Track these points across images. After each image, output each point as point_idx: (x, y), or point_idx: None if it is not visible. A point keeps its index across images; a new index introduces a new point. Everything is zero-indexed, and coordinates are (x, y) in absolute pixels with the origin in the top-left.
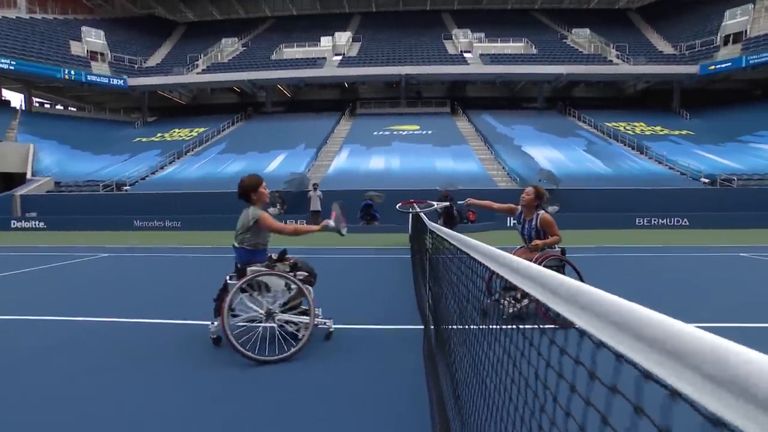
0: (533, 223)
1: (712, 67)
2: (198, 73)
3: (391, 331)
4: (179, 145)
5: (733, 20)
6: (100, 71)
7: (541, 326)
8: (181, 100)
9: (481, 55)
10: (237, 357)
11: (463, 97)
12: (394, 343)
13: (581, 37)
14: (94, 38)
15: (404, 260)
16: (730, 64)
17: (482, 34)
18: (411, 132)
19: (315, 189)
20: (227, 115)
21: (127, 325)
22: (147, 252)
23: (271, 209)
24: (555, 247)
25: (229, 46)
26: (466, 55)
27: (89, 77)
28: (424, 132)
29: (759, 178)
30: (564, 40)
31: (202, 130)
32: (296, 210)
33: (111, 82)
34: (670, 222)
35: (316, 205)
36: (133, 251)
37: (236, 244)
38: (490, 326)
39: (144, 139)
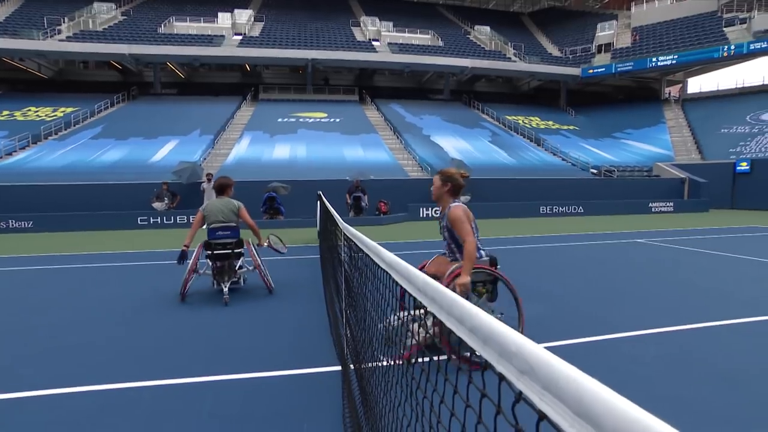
0: (444, 220)
1: (591, 71)
2: (61, 41)
3: (299, 379)
4: (36, 126)
5: (603, 32)
6: None
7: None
8: (41, 73)
9: (390, 43)
10: None
11: (371, 86)
12: (304, 397)
13: (483, 34)
14: None
15: (314, 262)
16: (603, 69)
17: (390, 23)
18: (318, 120)
19: (209, 180)
20: (105, 94)
21: None
22: None
23: (156, 203)
24: (482, 255)
25: (104, 13)
26: (374, 43)
27: None
28: (332, 120)
29: (631, 170)
30: (467, 36)
31: (70, 110)
32: (189, 204)
33: None
34: (569, 210)
35: (211, 198)
36: None
37: (228, 223)
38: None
39: None
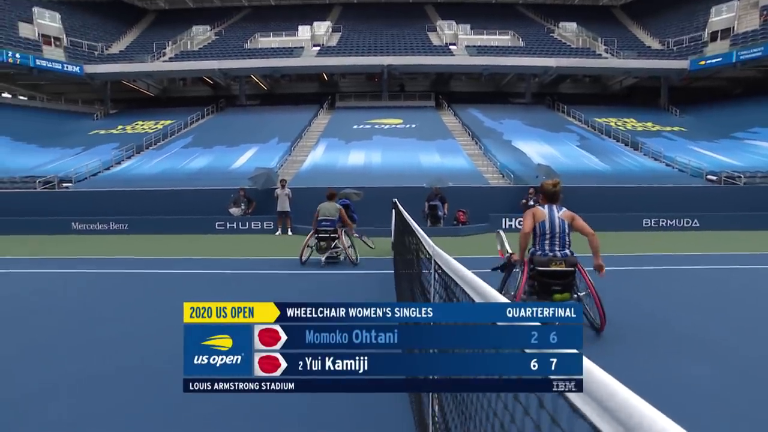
0: None
1: (702, 62)
2: (165, 62)
3: None
4: (140, 138)
5: (719, 17)
6: (53, 56)
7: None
8: (150, 92)
9: (467, 46)
10: None
11: (447, 91)
12: None
13: (568, 31)
14: (48, 21)
15: (389, 278)
16: (720, 59)
17: (467, 26)
18: (393, 126)
19: (283, 186)
20: (198, 107)
21: None
22: (44, 266)
23: (233, 209)
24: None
25: (201, 34)
26: (451, 47)
27: (38, 62)
28: (408, 126)
29: (763, 176)
30: (551, 34)
31: (168, 122)
32: (264, 210)
33: (65, 69)
34: (680, 223)
35: (284, 204)
36: (24, 265)
37: (331, 217)
38: None
39: (102, 132)
